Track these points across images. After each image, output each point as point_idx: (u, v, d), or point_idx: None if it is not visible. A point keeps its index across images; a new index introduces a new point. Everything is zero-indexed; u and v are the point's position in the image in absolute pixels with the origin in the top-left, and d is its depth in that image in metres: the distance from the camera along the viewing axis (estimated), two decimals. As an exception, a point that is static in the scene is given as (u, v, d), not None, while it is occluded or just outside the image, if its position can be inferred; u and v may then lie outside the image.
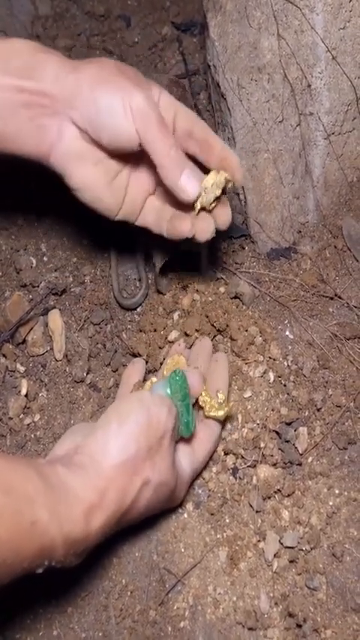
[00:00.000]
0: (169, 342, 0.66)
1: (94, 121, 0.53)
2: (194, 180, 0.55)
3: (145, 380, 0.64)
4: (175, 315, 0.67)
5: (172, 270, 0.69)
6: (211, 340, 0.66)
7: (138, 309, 0.71)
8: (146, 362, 0.65)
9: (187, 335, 0.65)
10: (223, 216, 0.60)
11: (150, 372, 0.66)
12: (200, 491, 0.61)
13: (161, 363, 0.66)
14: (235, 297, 0.70)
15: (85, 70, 0.54)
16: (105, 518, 0.48)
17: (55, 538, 0.44)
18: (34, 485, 0.44)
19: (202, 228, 0.59)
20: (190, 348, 0.66)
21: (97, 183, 0.57)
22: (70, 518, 0.46)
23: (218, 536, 0.59)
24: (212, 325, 0.66)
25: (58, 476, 0.47)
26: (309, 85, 0.68)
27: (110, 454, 0.49)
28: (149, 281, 0.71)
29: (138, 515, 0.53)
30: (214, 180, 0.57)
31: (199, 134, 0.58)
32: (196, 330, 0.65)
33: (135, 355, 0.66)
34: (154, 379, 0.62)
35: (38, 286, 0.69)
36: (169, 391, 0.55)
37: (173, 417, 0.54)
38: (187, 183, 0.55)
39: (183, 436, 0.57)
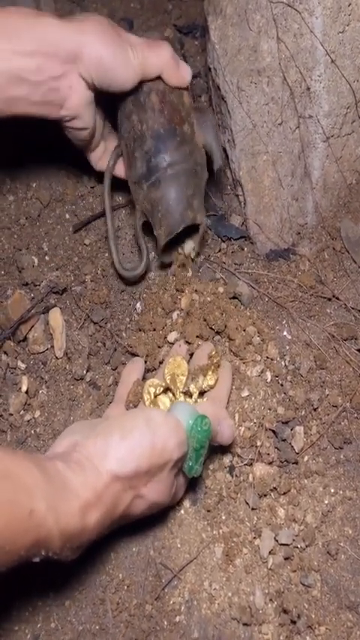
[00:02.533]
0: (169, 343, 0.67)
1: (101, 74, 0.62)
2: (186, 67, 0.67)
3: (144, 379, 0.65)
4: (174, 315, 0.68)
5: (174, 243, 0.69)
6: (209, 340, 0.67)
7: (138, 307, 0.71)
8: (145, 361, 0.66)
9: (188, 343, 0.66)
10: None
11: (149, 370, 0.66)
12: (197, 489, 0.62)
13: (160, 362, 0.66)
14: (234, 298, 0.70)
15: (87, 30, 0.61)
16: (100, 516, 0.49)
17: (52, 529, 0.45)
18: (33, 476, 0.45)
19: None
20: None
21: (94, 118, 0.67)
22: (66, 511, 0.46)
23: (214, 532, 0.60)
24: (211, 328, 0.66)
25: (56, 470, 0.47)
26: (308, 88, 0.68)
27: (108, 463, 0.49)
28: (149, 252, 0.71)
29: (131, 519, 0.54)
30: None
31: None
32: (197, 337, 0.66)
33: (134, 354, 0.67)
34: (155, 380, 0.63)
35: (39, 285, 0.70)
36: (190, 422, 0.54)
37: (181, 450, 0.53)
38: (185, 69, 0.66)
39: (183, 472, 0.56)
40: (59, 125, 0.67)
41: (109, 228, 0.71)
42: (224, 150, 0.76)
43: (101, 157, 0.73)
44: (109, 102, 0.68)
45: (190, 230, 0.69)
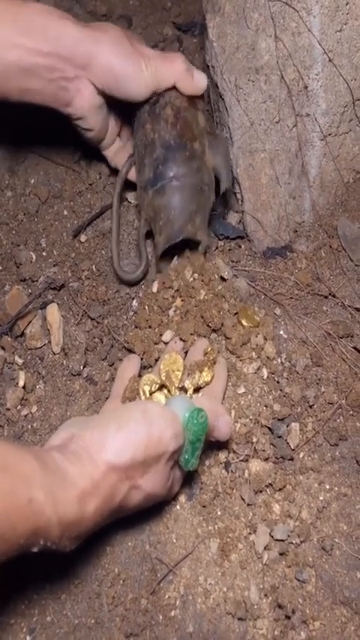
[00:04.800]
0: (164, 342, 0.67)
1: (111, 83, 0.65)
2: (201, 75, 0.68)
3: (140, 375, 0.65)
4: (171, 312, 0.68)
5: (172, 253, 0.70)
6: (206, 338, 0.67)
7: (135, 305, 0.71)
8: (142, 359, 0.66)
9: (183, 341, 0.66)
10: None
11: (145, 367, 0.67)
12: (192, 484, 0.62)
13: (156, 360, 0.66)
14: (231, 295, 0.70)
15: (101, 39, 0.64)
16: (97, 505, 0.49)
17: (51, 518, 0.45)
18: (31, 466, 0.45)
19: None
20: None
21: (103, 122, 0.70)
22: (65, 500, 0.47)
23: (210, 528, 0.60)
24: (208, 326, 0.67)
25: (54, 460, 0.48)
26: (306, 87, 0.69)
27: (105, 453, 0.50)
28: (149, 258, 0.71)
29: (128, 511, 0.54)
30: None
31: None
32: (191, 334, 0.66)
33: (131, 351, 0.67)
34: (151, 376, 0.63)
35: (37, 281, 0.70)
36: (187, 415, 0.54)
37: (177, 442, 0.53)
38: (199, 79, 0.68)
39: (180, 465, 0.56)
40: (65, 121, 0.69)
41: (114, 232, 0.72)
42: None
43: (115, 155, 0.75)
44: (130, 109, 0.70)
45: (192, 246, 0.70)
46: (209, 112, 0.82)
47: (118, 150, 0.75)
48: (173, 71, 0.66)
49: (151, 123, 0.68)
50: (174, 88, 0.68)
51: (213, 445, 0.62)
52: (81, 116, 0.68)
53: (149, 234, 0.71)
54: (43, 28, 0.62)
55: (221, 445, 0.62)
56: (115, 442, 0.50)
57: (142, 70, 0.64)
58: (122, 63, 0.64)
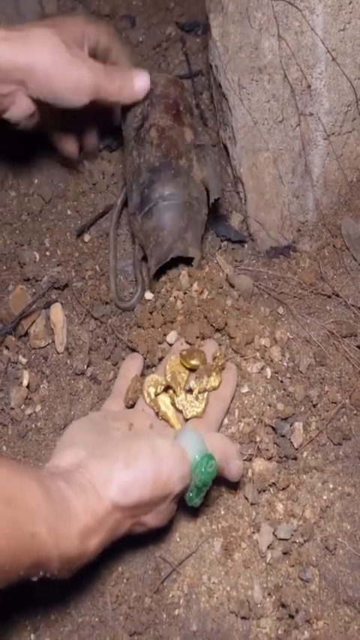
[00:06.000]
0: (168, 344, 0.67)
1: (49, 95, 0.63)
2: (143, 77, 0.67)
3: (142, 374, 0.65)
4: (173, 312, 0.68)
5: (165, 273, 0.70)
6: (215, 342, 0.67)
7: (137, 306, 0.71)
8: (145, 358, 0.66)
9: (189, 344, 0.66)
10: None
11: (148, 367, 0.67)
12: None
13: (160, 359, 0.67)
14: (235, 294, 0.71)
15: (36, 50, 0.61)
16: (99, 541, 0.49)
17: (52, 552, 0.45)
18: (36, 498, 0.45)
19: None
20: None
21: (40, 121, 0.69)
22: (67, 536, 0.46)
23: (213, 527, 0.60)
24: (211, 325, 0.67)
25: (59, 490, 0.47)
26: (309, 86, 0.69)
27: (111, 490, 0.49)
28: (145, 282, 0.72)
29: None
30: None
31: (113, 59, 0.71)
32: (197, 337, 0.66)
33: (135, 350, 0.67)
34: (156, 377, 0.63)
35: (41, 280, 0.70)
36: (197, 457, 0.53)
37: (184, 483, 0.52)
38: (139, 82, 0.67)
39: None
40: None
41: (111, 261, 0.73)
42: (225, 147, 0.77)
43: (61, 142, 0.74)
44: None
45: (187, 262, 0.69)
46: (201, 116, 0.82)
47: (63, 135, 0.73)
48: (114, 81, 0.64)
49: (137, 148, 0.68)
50: (158, 107, 0.68)
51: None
52: (17, 122, 0.68)
53: (145, 259, 0.71)
54: None
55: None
56: (122, 480, 0.49)
57: (82, 79, 0.62)
58: (61, 76, 0.61)
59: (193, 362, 0.63)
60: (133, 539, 0.58)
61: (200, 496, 0.55)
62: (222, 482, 0.61)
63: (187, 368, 0.64)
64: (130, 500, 0.49)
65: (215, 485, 0.61)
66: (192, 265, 0.69)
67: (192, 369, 0.64)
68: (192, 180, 0.68)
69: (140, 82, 0.66)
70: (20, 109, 0.65)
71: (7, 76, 0.61)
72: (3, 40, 0.60)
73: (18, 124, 0.68)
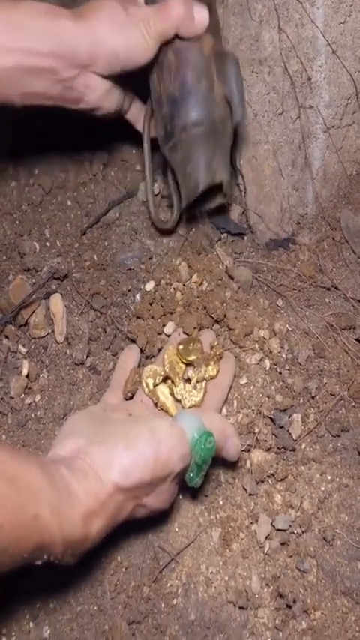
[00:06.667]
0: (166, 335, 0.67)
1: (117, 66, 0.63)
2: (201, 11, 0.64)
3: (140, 365, 0.65)
4: (173, 303, 0.68)
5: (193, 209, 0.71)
6: (212, 331, 0.67)
7: (137, 297, 0.71)
8: (143, 350, 0.66)
9: (187, 334, 0.66)
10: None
11: (147, 357, 0.67)
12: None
13: (159, 350, 0.67)
14: (234, 285, 0.71)
15: (98, 27, 0.61)
16: (102, 524, 0.49)
17: (55, 535, 0.45)
18: (38, 481, 0.45)
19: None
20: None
21: (117, 100, 0.68)
22: (70, 519, 0.46)
23: (212, 517, 0.60)
24: (210, 317, 0.67)
25: (61, 476, 0.47)
26: (309, 79, 0.69)
27: (112, 472, 0.49)
28: (181, 206, 0.71)
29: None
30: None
31: None
32: (194, 328, 0.66)
33: (134, 341, 0.67)
34: (154, 367, 0.63)
35: (41, 270, 0.70)
36: (195, 436, 0.53)
37: (184, 462, 0.53)
38: (200, 18, 0.64)
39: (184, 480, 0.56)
40: (68, 112, 0.67)
41: (148, 187, 0.72)
42: None
43: (136, 118, 0.73)
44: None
45: (220, 189, 0.68)
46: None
47: (138, 111, 0.72)
48: (172, 22, 0.62)
49: (157, 73, 0.66)
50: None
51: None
52: (95, 107, 0.66)
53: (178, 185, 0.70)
54: (39, 29, 0.59)
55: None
56: (123, 462, 0.49)
57: (144, 37, 0.62)
58: (124, 43, 0.61)
59: (190, 358, 0.63)
60: (132, 528, 0.59)
61: (201, 475, 0.55)
62: (220, 464, 0.61)
63: (184, 363, 0.64)
64: (131, 481, 0.49)
65: (214, 476, 0.62)
66: (223, 191, 0.68)
67: (189, 364, 0.64)
68: (214, 101, 0.65)
69: (198, 17, 0.64)
70: (94, 91, 0.64)
71: (74, 56, 0.60)
72: (67, 18, 0.60)
73: (99, 110, 0.67)
